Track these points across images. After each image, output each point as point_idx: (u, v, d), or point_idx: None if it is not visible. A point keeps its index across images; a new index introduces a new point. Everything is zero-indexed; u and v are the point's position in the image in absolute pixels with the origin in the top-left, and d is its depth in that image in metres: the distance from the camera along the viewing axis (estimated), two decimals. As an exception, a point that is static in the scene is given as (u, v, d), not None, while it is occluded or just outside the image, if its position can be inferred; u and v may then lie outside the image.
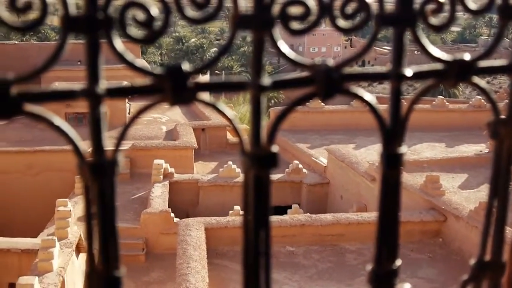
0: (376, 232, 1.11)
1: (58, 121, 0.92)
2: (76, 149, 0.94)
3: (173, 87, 0.94)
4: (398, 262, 1.13)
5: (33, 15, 0.92)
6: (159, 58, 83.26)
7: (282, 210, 20.00)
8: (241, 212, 1.02)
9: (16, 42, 39.92)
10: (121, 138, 0.96)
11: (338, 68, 0.99)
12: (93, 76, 0.93)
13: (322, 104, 30.44)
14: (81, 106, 29.86)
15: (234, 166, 23.99)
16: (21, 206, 25.47)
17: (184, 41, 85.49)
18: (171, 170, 23.70)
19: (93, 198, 0.95)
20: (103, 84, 0.94)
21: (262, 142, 1.01)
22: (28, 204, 25.46)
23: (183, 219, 19.03)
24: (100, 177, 0.96)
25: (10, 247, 18.47)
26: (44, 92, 0.92)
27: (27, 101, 0.90)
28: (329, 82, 0.98)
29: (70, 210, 18.57)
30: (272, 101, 64.60)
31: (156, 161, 23.45)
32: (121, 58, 0.93)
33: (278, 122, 1.01)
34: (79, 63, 37.62)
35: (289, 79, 1.00)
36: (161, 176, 23.03)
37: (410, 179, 19.46)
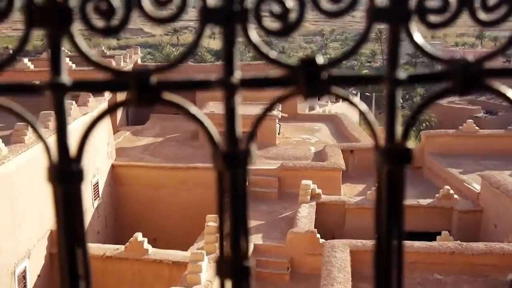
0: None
1: (194, 109, 0.95)
2: (211, 138, 0.96)
3: (307, 79, 0.94)
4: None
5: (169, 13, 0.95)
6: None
7: (430, 236, 19.38)
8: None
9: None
10: (255, 127, 0.98)
11: (477, 63, 0.95)
12: (228, 67, 0.95)
13: (476, 128, 29.27)
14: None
15: (382, 189, 23.57)
16: (173, 219, 26.54)
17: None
18: (319, 191, 23.73)
19: (225, 188, 0.97)
20: (238, 75, 0.96)
21: (396, 137, 0.99)
22: (180, 218, 26.49)
23: (329, 240, 18.97)
24: (233, 167, 0.98)
25: (162, 259, 19.30)
26: (183, 81, 0.95)
27: (166, 89, 0.94)
28: (467, 77, 0.94)
29: (219, 226, 19.07)
30: (424, 124, 63.02)
31: (304, 182, 23.59)
32: (256, 50, 0.95)
33: (414, 117, 0.98)
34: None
35: (426, 74, 0.97)
36: (308, 197, 23.12)
37: None
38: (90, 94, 26.27)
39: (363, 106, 0.99)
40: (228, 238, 1.01)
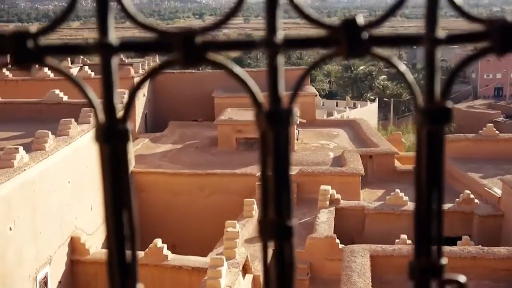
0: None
1: (238, 69, 0.97)
2: (254, 98, 0.98)
3: (348, 39, 0.96)
4: None
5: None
6: (327, 85, 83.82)
7: (451, 241, 19.26)
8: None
9: (193, 71, 42.08)
10: (298, 86, 0.99)
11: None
12: (271, 27, 0.97)
13: (497, 132, 29.08)
14: (251, 132, 30.74)
15: (401, 194, 23.49)
16: (192, 225, 26.59)
17: (352, 68, 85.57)
18: (338, 196, 23.68)
19: (268, 148, 0.99)
20: (280, 35, 0.98)
21: (436, 97, 1.00)
22: (199, 224, 26.53)
23: (348, 246, 18.90)
24: (276, 126, 0.99)
25: (182, 264, 19.34)
26: (227, 41, 0.97)
27: (211, 50, 0.96)
28: (504, 37, 0.95)
29: (238, 232, 19.11)
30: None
31: (323, 187, 23.55)
32: (299, 11, 0.96)
33: (453, 76, 0.99)
34: (250, 90, 38.84)
35: (464, 33, 0.98)
36: (327, 202, 23.08)
37: None
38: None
39: (403, 67, 1.00)
40: (271, 198, 1.02)
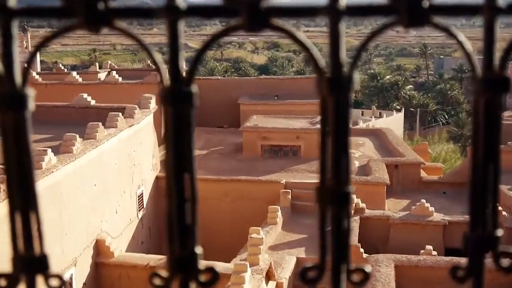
0: None
1: (301, 35, 0.99)
2: (315, 64, 1.00)
3: (408, 7, 0.98)
4: None
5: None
6: (353, 95, 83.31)
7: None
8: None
9: (219, 78, 42.28)
10: (359, 54, 1.01)
11: None
12: (334, -6, 0.99)
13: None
14: (277, 139, 30.75)
15: (427, 205, 23.35)
16: (217, 231, 26.63)
17: (379, 78, 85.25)
18: (362, 205, 23.59)
19: (328, 114, 1.01)
20: (343, 2, 1.00)
21: (494, 66, 1.01)
22: (223, 229, 26.57)
23: (373, 255, 18.82)
24: (337, 92, 1.01)
25: (206, 269, 19.34)
26: (291, 8, 0.99)
27: (275, 16, 0.98)
28: None
29: (262, 238, 19.11)
30: (470, 140, 62.07)
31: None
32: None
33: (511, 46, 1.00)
34: (276, 97, 38.96)
35: None
36: (352, 211, 22.96)
37: None
38: (137, 107, 26.62)
39: (462, 37, 1.01)
40: (330, 164, 1.04)
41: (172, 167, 1.02)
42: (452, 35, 1.00)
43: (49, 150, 18.99)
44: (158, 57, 0.99)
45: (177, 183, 1.02)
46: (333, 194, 1.03)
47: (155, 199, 27.63)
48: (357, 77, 1.00)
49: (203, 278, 1.07)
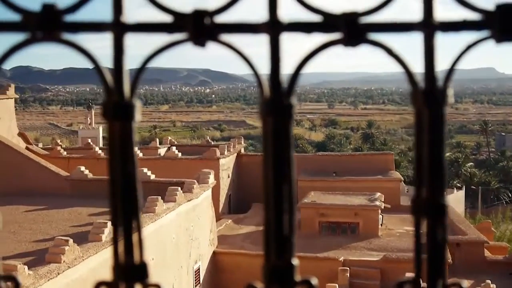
0: None
1: (396, 50, 1.03)
2: (410, 77, 1.03)
3: (501, 23, 1.00)
4: None
5: None
6: (413, 172, 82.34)
7: None
8: None
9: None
10: (452, 69, 1.04)
11: None
12: (428, 9, 1.03)
13: None
14: (335, 215, 30.50)
15: (493, 285, 22.54)
16: None
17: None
18: (424, 284, 22.90)
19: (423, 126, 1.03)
20: (436, 17, 1.03)
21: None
22: None
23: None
24: (431, 104, 1.03)
25: None
26: (387, 24, 1.03)
27: (371, 31, 1.02)
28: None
29: None
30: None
31: (408, 275, 22.86)
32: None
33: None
34: (334, 174, 38.86)
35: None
36: None
37: None
38: (196, 181, 26.89)
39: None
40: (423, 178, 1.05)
41: (271, 177, 1.05)
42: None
43: (109, 223, 19.28)
44: (259, 69, 1.04)
45: (276, 192, 1.05)
46: (428, 206, 1.04)
47: (212, 275, 27.53)
48: (451, 91, 1.03)
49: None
